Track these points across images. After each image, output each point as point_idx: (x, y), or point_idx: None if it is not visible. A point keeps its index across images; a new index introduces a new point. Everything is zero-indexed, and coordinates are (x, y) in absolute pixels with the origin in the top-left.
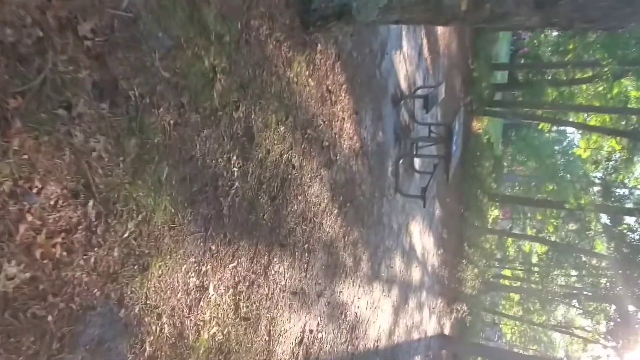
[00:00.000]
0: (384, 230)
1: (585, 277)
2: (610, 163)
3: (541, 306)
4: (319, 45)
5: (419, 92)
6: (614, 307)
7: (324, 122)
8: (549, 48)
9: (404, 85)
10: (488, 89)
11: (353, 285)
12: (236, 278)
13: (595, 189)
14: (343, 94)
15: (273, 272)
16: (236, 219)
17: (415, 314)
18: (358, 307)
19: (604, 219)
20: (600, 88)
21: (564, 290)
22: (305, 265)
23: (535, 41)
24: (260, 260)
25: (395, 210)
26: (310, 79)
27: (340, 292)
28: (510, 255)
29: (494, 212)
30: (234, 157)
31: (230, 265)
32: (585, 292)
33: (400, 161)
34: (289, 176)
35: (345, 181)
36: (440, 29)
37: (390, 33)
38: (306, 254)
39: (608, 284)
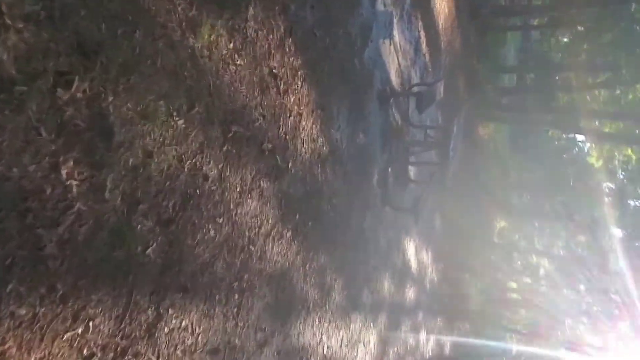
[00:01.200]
0: (367, 249)
1: (595, 293)
2: (625, 173)
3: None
4: (251, 9)
5: (415, 89)
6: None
7: (264, 116)
8: (560, 51)
9: (395, 81)
10: (494, 92)
11: (320, 322)
12: (85, 350)
13: (608, 200)
14: (299, 83)
15: (167, 331)
16: (79, 260)
17: (410, 338)
18: (328, 347)
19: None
20: (616, 93)
21: (573, 306)
22: (236, 310)
23: (544, 43)
24: (138, 317)
25: (383, 225)
26: (238, 56)
27: (299, 334)
28: (518, 268)
29: (501, 223)
30: (68, 164)
31: (67, 335)
32: (595, 308)
33: (390, 169)
34: (198, 191)
35: (306, 194)
36: (441, 23)
37: (376, 16)
38: (236, 295)
39: (620, 299)
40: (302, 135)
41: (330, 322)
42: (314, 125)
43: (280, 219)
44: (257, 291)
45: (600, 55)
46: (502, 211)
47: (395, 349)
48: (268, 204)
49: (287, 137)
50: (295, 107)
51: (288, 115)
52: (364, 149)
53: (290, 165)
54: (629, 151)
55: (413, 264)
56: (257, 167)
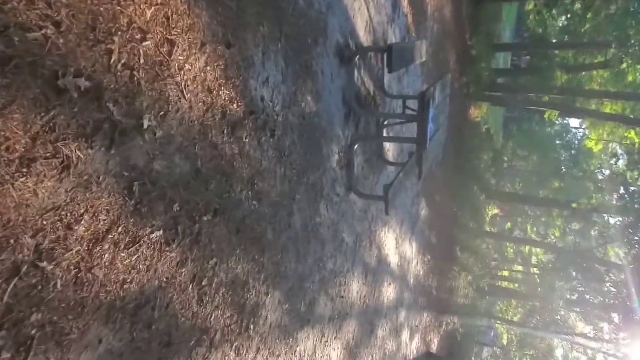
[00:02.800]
0: (325, 248)
1: (591, 283)
2: (627, 156)
3: (541, 313)
4: None
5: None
6: (619, 315)
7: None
8: (557, 29)
9: (365, 37)
10: (488, 71)
11: (238, 353)
12: None
13: (608, 186)
14: None
15: None
16: None
17: (389, 341)
18: None
19: (618, 221)
20: (618, 71)
21: (567, 295)
22: None
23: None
24: None
25: (348, 216)
26: None
27: None
28: (509, 256)
29: (492, 210)
30: None
31: None
32: (589, 298)
33: (356, 147)
34: None
35: (195, 174)
36: None
37: None
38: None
39: (616, 291)
40: (181, 79)
41: (259, 350)
42: (208, 68)
43: (130, 212)
44: (76, 336)
45: (603, 32)
46: (494, 197)
47: (369, 358)
48: (101, 188)
49: (139, 76)
50: (157, 29)
51: (137, 36)
52: (314, 117)
53: (150, 123)
54: (632, 133)
55: (393, 259)
56: (57, 118)
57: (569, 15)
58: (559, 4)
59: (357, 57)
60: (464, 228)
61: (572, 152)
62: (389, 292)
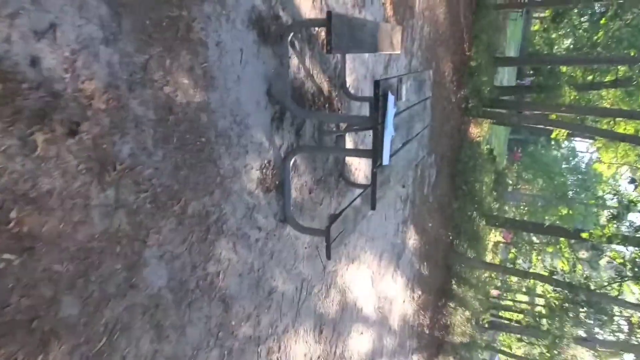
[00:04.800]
0: (232, 309)
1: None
2: None
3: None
4: None
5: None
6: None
7: None
8: (565, 47)
9: (308, 13)
10: (489, 86)
11: None
12: None
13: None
14: None
15: None
16: None
17: None
18: None
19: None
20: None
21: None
22: None
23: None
24: None
25: (283, 257)
26: None
27: None
28: (512, 284)
29: (494, 236)
30: None
31: None
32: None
33: (293, 161)
34: None
35: None
36: None
37: None
38: None
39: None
40: None
41: None
42: None
43: None
44: None
45: (614, 48)
46: (496, 224)
47: None
48: None
49: None
50: None
51: None
52: (198, 113)
53: None
54: None
55: (366, 301)
56: None
57: (578, 32)
58: (567, 20)
59: (292, 35)
60: (461, 258)
61: (580, 176)
62: (360, 343)
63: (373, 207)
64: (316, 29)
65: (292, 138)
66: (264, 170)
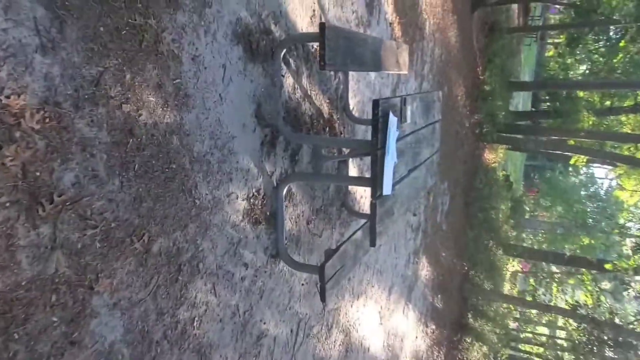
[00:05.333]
0: (210, 358)
1: None
2: None
3: None
4: None
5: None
6: None
7: None
8: (580, 71)
9: (304, 29)
10: (504, 110)
11: None
12: None
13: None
14: None
15: None
16: None
17: None
18: None
19: None
20: None
21: None
22: None
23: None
24: None
25: (276, 296)
26: None
27: None
28: (532, 316)
29: (512, 266)
30: None
31: None
32: None
33: (286, 189)
34: None
35: None
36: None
37: None
38: None
39: None
40: None
41: None
42: None
43: None
44: None
45: (633, 73)
46: (513, 254)
47: None
48: None
49: None
50: None
51: None
52: (169, 136)
53: None
54: None
55: (374, 340)
56: None
57: (594, 57)
58: (582, 44)
59: (284, 51)
60: (478, 290)
61: (599, 203)
62: None
63: (372, 244)
64: (314, 46)
65: (286, 164)
66: (252, 200)
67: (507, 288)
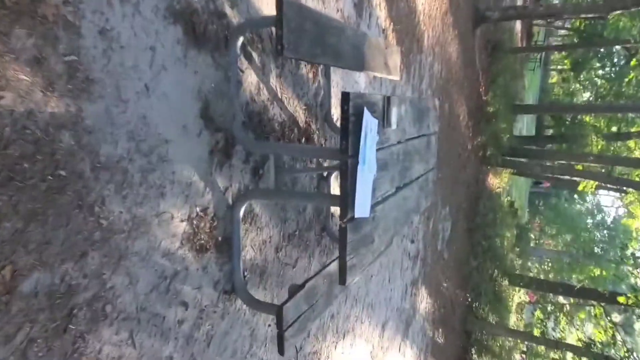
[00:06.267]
0: None
1: None
2: None
3: None
4: None
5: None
6: None
7: None
8: (585, 97)
9: (269, 12)
10: (508, 133)
11: None
12: None
13: None
14: None
15: None
16: None
17: None
18: None
19: None
20: None
21: None
22: None
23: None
24: None
25: (231, 341)
26: None
27: None
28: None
29: (518, 297)
30: None
31: None
32: None
33: (243, 208)
34: None
35: None
36: (424, 8)
37: None
38: None
39: None
40: None
41: None
42: None
43: None
44: None
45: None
46: (519, 284)
47: None
48: None
49: None
50: None
51: None
52: (58, 132)
53: None
54: None
55: None
56: None
57: (600, 81)
58: (587, 69)
59: (242, 40)
60: (482, 323)
61: (607, 232)
62: None
63: (342, 282)
64: None
65: (246, 179)
66: (196, 222)
67: (513, 319)
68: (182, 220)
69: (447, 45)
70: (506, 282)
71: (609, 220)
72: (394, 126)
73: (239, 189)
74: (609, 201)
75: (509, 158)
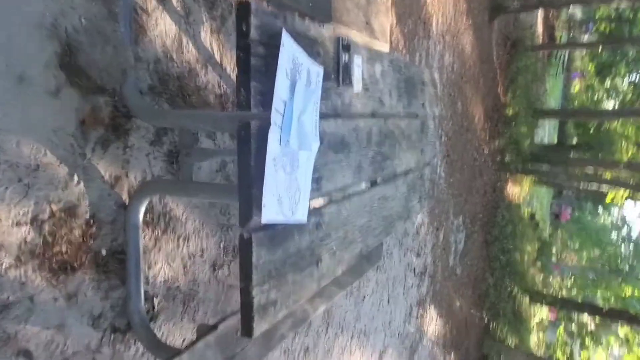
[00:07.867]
0: None
1: None
2: None
3: None
4: None
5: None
6: None
7: None
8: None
9: None
10: (529, 138)
11: None
12: None
13: None
14: None
15: None
16: None
17: None
18: None
19: None
20: None
21: None
22: None
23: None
24: None
25: None
26: None
27: None
28: None
29: (539, 313)
30: None
31: None
32: None
33: (143, 208)
34: None
35: None
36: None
37: None
38: None
39: None
40: None
41: None
42: None
43: None
44: None
45: None
46: (541, 301)
47: None
48: None
49: None
50: None
51: None
52: None
53: None
54: None
55: None
56: None
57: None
58: (614, 74)
59: None
60: (500, 347)
61: (634, 246)
62: None
63: (246, 333)
64: None
65: (156, 167)
66: (49, 227)
67: (534, 340)
68: (20, 225)
69: (460, 36)
70: (527, 300)
71: (634, 234)
72: (357, 88)
73: (143, 180)
74: (634, 214)
75: (529, 166)
